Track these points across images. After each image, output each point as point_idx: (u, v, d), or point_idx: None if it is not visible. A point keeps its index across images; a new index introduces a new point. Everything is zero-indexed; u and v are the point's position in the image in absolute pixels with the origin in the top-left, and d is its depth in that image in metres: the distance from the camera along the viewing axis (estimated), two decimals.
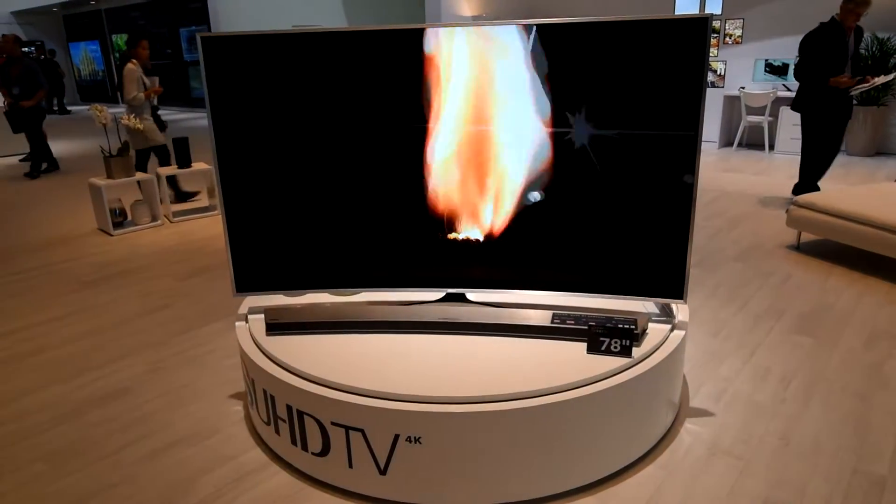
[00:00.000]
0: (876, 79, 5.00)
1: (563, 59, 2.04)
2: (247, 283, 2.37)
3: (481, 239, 2.25)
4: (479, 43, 2.05)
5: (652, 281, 2.18)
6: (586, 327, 2.10)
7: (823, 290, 3.57)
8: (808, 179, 5.25)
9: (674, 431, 2.30)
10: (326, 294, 2.53)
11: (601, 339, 2.02)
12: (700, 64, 2.00)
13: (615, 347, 1.99)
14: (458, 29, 2.04)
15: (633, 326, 2.07)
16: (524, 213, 2.20)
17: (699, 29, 1.98)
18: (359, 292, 2.51)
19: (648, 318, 2.22)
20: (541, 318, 2.20)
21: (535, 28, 2.03)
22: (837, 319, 3.19)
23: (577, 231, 2.19)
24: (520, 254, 2.25)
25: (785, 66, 8.06)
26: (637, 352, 2.05)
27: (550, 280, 2.26)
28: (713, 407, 2.46)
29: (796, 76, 5.17)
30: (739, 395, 2.54)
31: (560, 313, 2.21)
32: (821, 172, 5.25)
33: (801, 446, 2.21)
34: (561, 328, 2.14)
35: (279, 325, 2.27)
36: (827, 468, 2.09)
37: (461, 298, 2.36)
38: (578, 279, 2.24)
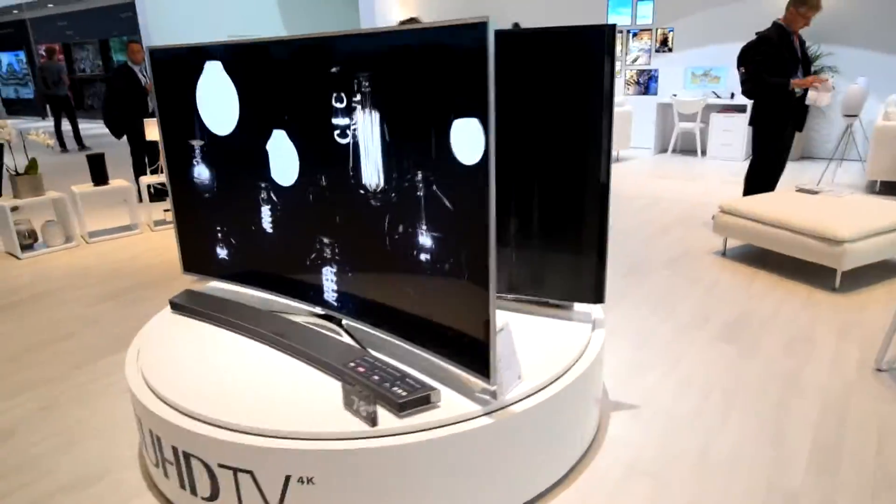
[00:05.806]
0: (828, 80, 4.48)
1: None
2: (190, 266, 2.77)
3: (349, 272, 2.17)
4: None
5: (465, 354, 1.86)
6: (340, 381, 1.91)
7: (747, 295, 3.59)
8: (760, 190, 4.86)
9: (592, 451, 2.23)
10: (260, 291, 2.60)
11: (352, 397, 1.79)
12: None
13: (363, 412, 1.77)
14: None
15: (401, 394, 1.79)
16: (366, 256, 2.09)
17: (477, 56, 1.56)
18: (273, 294, 2.50)
19: (435, 393, 1.84)
20: (339, 359, 2.01)
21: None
22: (759, 326, 3.21)
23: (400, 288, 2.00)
24: (370, 293, 2.12)
25: (713, 75, 8.25)
26: (401, 423, 1.75)
27: (392, 325, 2.07)
28: (634, 422, 2.40)
29: (748, 93, 4.67)
30: (660, 408, 2.49)
31: (367, 359, 2.00)
32: (775, 182, 4.88)
33: (719, 462, 2.17)
34: (340, 372, 1.96)
35: (178, 305, 2.60)
36: (744, 484, 2.05)
37: (337, 321, 2.34)
38: (415, 334, 2.01)
